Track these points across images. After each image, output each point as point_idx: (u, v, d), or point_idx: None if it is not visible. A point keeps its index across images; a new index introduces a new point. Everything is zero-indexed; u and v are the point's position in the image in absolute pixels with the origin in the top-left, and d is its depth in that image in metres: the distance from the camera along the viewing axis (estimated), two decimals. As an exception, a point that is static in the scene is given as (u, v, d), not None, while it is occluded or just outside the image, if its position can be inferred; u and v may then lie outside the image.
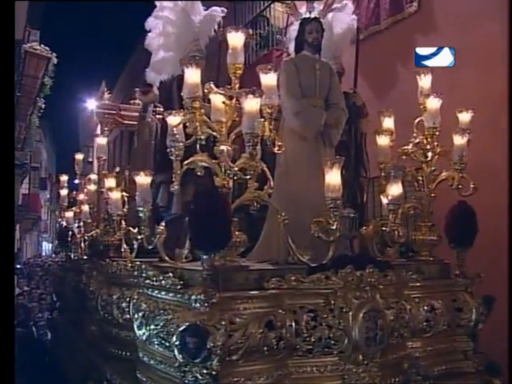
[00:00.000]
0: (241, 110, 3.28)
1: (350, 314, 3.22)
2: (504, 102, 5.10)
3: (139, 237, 3.99)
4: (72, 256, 7.03)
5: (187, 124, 3.37)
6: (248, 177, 3.18)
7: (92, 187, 6.27)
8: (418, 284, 3.79)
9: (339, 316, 3.22)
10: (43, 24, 14.11)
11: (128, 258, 4.58)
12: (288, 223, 3.36)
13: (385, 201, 3.99)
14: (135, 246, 4.35)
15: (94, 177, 6.56)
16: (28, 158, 20.76)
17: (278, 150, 3.41)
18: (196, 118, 3.29)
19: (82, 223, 6.42)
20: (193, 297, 2.90)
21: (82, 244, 6.34)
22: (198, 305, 2.88)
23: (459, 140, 4.02)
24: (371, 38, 7.18)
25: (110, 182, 5.21)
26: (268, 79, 3.30)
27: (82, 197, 6.91)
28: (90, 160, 14.41)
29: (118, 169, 6.20)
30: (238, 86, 3.41)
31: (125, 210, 4.95)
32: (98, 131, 8.36)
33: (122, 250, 4.82)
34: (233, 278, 3.14)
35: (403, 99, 4.53)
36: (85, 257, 6.21)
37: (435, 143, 4.14)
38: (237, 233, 3.28)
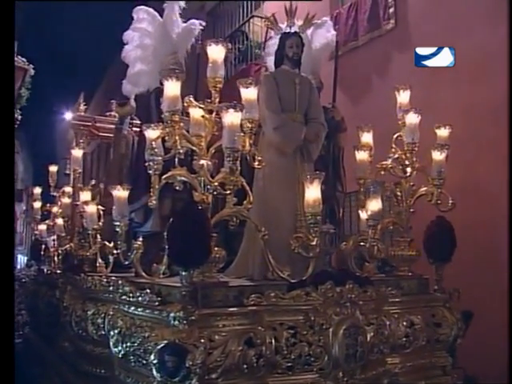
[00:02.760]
0: (220, 124, 3.25)
1: (330, 330, 3.20)
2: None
3: (115, 251, 3.92)
4: (45, 270, 6.89)
5: (166, 138, 3.31)
6: (228, 192, 3.14)
7: (66, 200, 6.17)
8: (397, 299, 3.78)
9: (319, 332, 3.19)
10: (20, 35, 13.92)
11: (103, 273, 4.50)
12: (267, 239, 3.32)
13: (364, 216, 3.98)
14: (111, 261, 4.30)
15: (68, 189, 6.45)
16: (4, 169, 20.36)
17: (258, 165, 3.38)
18: (175, 132, 3.24)
19: (55, 236, 6.31)
20: (171, 314, 2.83)
21: (56, 258, 6.23)
22: (176, 322, 2.81)
23: (437, 156, 4.03)
24: (349, 54, 7.29)
25: (86, 195, 5.13)
26: (248, 93, 3.26)
27: (56, 209, 6.81)
28: (68, 172, 14.22)
29: (93, 181, 6.11)
30: (218, 99, 3.37)
31: (100, 223, 4.87)
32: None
33: (97, 264, 4.75)
34: (212, 294, 3.06)
35: (381, 114, 4.52)
36: (58, 271, 6.10)
37: (414, 159, 4.14)
38: (216, 248, 3.21)
